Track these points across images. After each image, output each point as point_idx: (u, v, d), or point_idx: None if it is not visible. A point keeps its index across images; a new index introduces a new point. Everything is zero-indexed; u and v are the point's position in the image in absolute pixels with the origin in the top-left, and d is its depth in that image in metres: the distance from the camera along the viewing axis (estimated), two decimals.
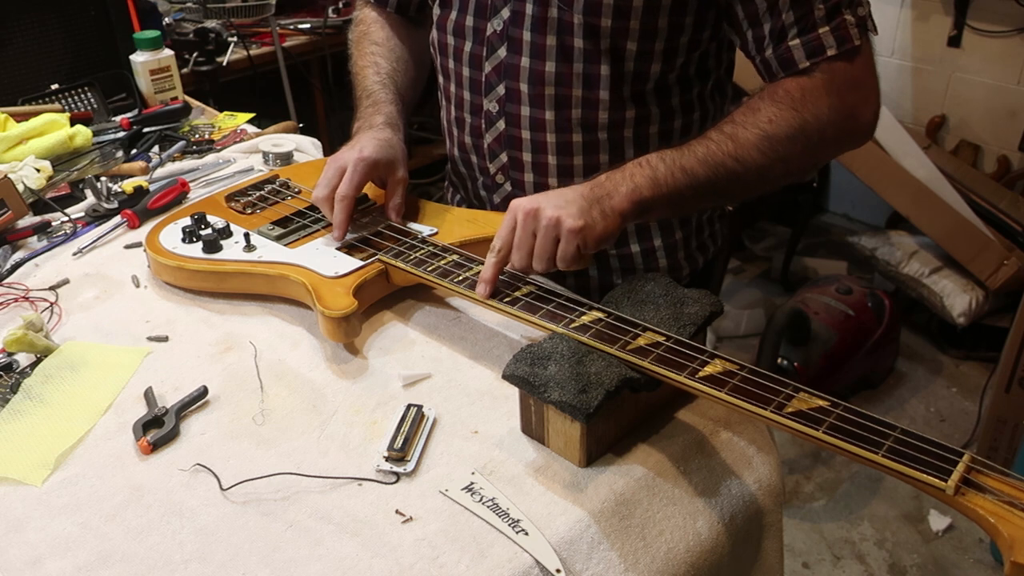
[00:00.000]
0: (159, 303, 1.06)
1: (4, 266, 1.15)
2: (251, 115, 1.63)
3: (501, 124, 1.12)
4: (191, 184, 1.32)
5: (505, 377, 0.79)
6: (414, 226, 1.09)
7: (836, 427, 0.67)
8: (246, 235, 1.07)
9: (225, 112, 1.65)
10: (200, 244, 1.07)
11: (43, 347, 0.96)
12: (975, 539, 2.08)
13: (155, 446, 0.83)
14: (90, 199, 1.30)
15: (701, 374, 0.75)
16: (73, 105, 1.64)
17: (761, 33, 0.97)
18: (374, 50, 1.25)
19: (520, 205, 0.91)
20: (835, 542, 2.09)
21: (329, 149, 1.33)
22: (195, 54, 2.40)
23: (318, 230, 1.09)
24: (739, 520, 0.81)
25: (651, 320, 0.85)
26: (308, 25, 2.74)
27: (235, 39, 2.54)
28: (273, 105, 2.62)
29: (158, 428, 0.85)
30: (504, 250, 0.91)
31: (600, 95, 1.05)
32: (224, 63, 2.47)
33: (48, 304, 1.07)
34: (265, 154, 1.40)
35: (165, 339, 0.99)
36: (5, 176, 1.21)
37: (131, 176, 1.38)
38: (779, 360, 2.32)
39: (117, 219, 1.23)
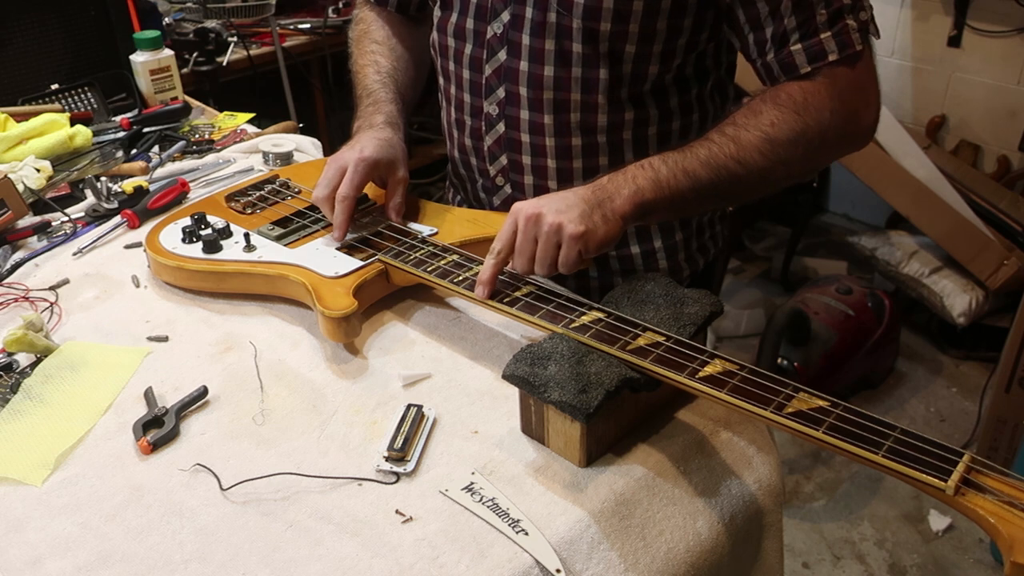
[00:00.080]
0: (159, 303, 1.06)
1: (4, 266, 1.15)
2: (251, 115, 1.63)
3: (501, 127, 1.12)
4: (191, 184, 1.32)
5: (505, 377, 0.79)
6: (414, 226, 1.09)
7: (836, 427, 0.67)
8: (246, 235, 1.07)
9: (225, 112, 1.65)
10: (200, 244, 1.07)
11: (43, 347, 0.96)
12: (975, 539, 2.08)
13: (155, 446, 0.83)
14: (90, 199, 1.30)
15: (701, 374, 0.75)
16: (73, 105, 1.64)
17: (763, 37, 0.96)
18: (374, 49, 1.25)
19: (522, 209, 0.91)
20: (835, 542, 2.09)
21: (329, 149, 1.33)
22: (195, 54, 2.40)
23: (318, 230, 1.09)
24: (739, 520, 0.81)
25: (651, 320, 0.85)
26: (308, 25, 2.74)
27: (235, 39, 2.54)
28: (273, 105, 2.62)
29: (158, 428, 0.85)
30: (504, 252, 0.91)
31: (598, 98, 1.05)
32: (224, 63, 2.47)
33: (48, 304, 1.07)
34: (265, 154, 1.40)
35: (165, 339, 0.99)
36: (5, 176, 1.21)
37: (131, 176, 1.38)
38: (779, 360, 2.32)
39: (117, 219, 1.23)
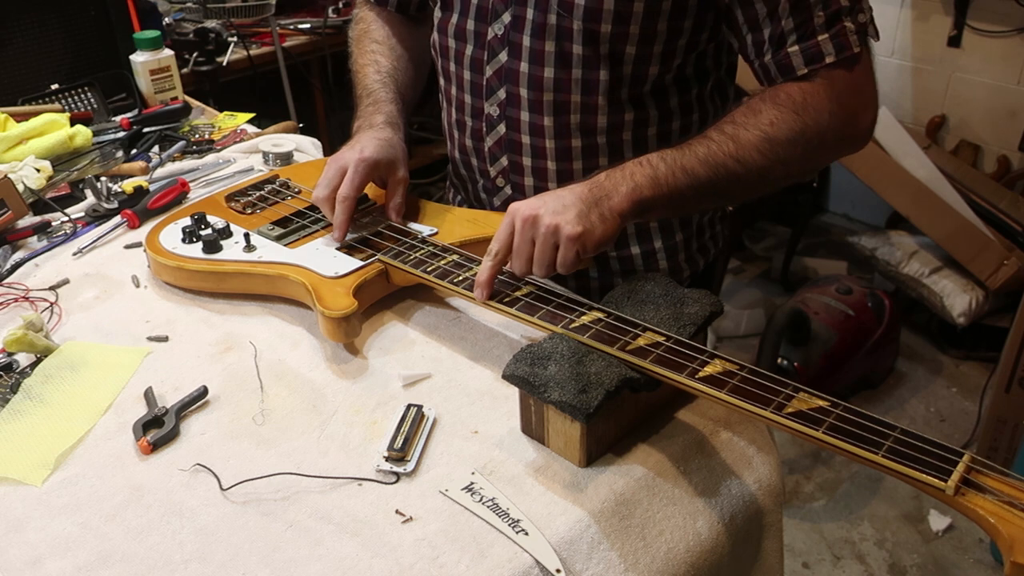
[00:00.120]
0: (159, 303, 1.06)
1: (4, 266, 1.15)
2: (251, 115, 1.63)
3: (502, 128, 1.12)
4: (191, 184, 1.32)
5: (505, 377, 0.79)
6: (414, 226, 1.09)
7: (836, 427, 0.67)
8: (246, 235, 1.07)
9: (225, 112, 1.65)
10: (200, 244, 1.07)
11: (43, 347, 0.96)
12: (975, 539, 2.08)
13: (155, 446, 0.83)
14: (90, 199, 1.30)
15: (701, 374, 0.75)
16: (73, 105, 1.64)
17: (760, 38, 0.96)
18: (374, 48, 1.25)
19: (518, 210, 0.90)
20: (835, 542, 2.09)
21: (329, 149, 1.33)
22: (195, 54, 2.40)
23: (318, 230, 1.09)
24: (739, 520, 0.81)
25: (651, 320, 0.85)
26: (308, 25, 2.74)
27: (235, 39, 2.54)
28: (273, 105, 2.62)
29: (158, 428, 0.85)
30: (501, 254, 0.91)
31: (598, 100, 1.05)
32: (224, 63, 2.47)
33: (48, 304, 1.07)
34: (265, 154, 1.40)
35: (165, 339, 0.99)
36: (5, 176, 1.21)
37: (131, 176, 1.38)
38: (779, 360, 2.32)
39: (117, 219, 1.23)
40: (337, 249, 1.04)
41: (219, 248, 1.06)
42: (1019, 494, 0.61)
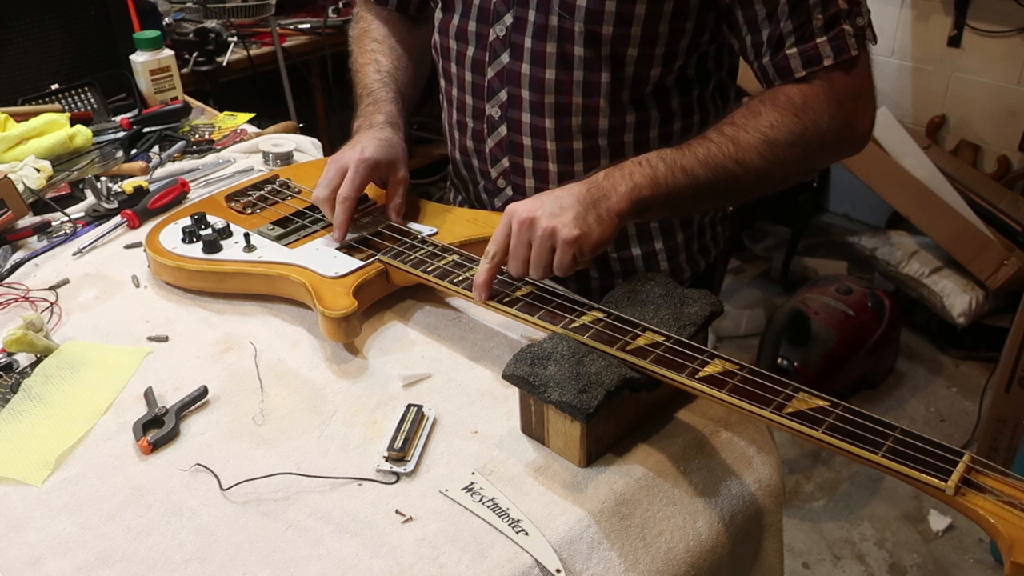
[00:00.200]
0: (159, 303, 1.06)
1: (4, 266, 1.15)
2: (251, 115, 1.63)
3: (503, 129, 1.12)
4: (191, 184, 1.32)
5: (505, 377, 0.80)
6: (414, 226, 1.09)
7: (836, 427, 0.68)
8: (246, 235, 1.07)
9: (225, 112, 1.65)
10: (200, 244, 1.07)
11: (43, 347, 0.96)
12: (975, 539, 2.08)
13: (155, 446, 0.83)
14: (90, 199, 1.30)
15: (701, 374, 0.75)
16: (73, 105, 1.64)
17: (759, 39, 0.96)
18: (375, 48, 1.25)
19: (515, 212, 0.90)
20: (835, 542, 2.10)
21: (329, 149, 1.33)
22: (195, 54, 2.40)
23: (318, 230, 1.09)
24: (739, 520, 0.81)
25: (651, 320, 0.85)
26: (308, 25, 2.74)
27: (235, 39, 2.54)
28: (273, 105, 2.62)
29: (158, 428, 0.85)
30: (498, 255, 0.91)
31: (600, 102, 1.05)
32: (224, 63, 2.47)
33: (48, 304, 1.07)
34: (265, 154, 1.40)
35: (165, 339, 0.99)
36: (5, 176, 1.21)
37: (131, 176, 1.38)
38: (779, 360, 2.32)
39: (117, 219, 1.23)
40: (337, 249, 1.04)
41: (219, 248, 1.06)
42: (1019, 494, 0.61)
